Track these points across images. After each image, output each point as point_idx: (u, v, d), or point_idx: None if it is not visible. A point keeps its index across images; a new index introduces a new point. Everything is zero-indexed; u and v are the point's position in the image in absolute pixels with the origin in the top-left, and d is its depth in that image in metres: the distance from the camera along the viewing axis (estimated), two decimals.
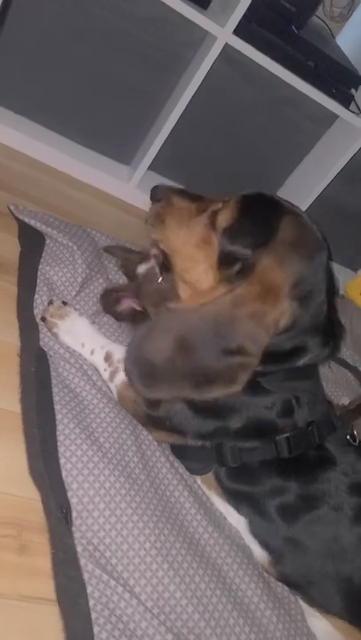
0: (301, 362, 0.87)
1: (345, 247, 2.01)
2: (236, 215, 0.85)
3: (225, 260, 0.84)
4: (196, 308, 0.83)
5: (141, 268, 1.08)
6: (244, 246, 0.82)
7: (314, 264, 0.83)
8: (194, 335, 0.79)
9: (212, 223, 0.87)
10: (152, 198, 0.97)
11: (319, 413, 0.93)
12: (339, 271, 2.02)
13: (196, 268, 0.88)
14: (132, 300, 1.10)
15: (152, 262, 1.06)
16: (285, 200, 0.90)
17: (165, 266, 0.97)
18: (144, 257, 1.10)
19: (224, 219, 0.85)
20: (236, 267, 0.82)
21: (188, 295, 0.92)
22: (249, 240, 0.82)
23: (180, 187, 1.03)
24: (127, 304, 1.11)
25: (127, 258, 1.24)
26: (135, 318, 1.09)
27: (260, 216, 0.85)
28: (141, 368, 0.81)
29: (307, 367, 0.90)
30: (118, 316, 1.12)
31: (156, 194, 0.96)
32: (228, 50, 1.36)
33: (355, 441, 0.94)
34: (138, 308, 1.09)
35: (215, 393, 0.79)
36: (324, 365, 1.04)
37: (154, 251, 1.04)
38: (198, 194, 0.97)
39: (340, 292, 1.85)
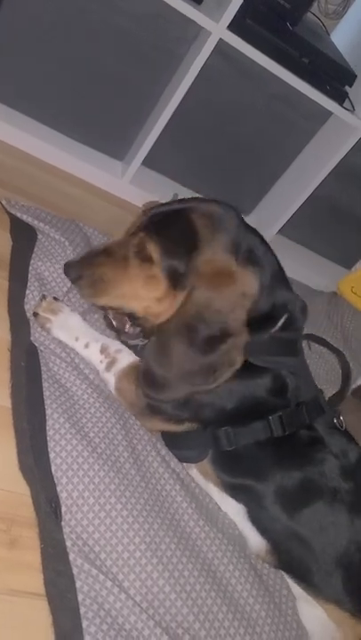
0: (283, 319, 0.93)
1: (337, 244, 2.02)
2: (157, 239, 0.89)
3: (173, 279, 0.89)
4: (167, 320, 0.89)
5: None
6: (181, 258, 0.88)
7: (237, 229, 0.90)
8: (182, 341, 0.86)
9: (144, 258, 0.90)
10: (72, 278, 0.97)
11: (309, 394, 0.97)
12: (331, 268, 2.03)
13: (154, 301, 0.92)
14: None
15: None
16: (175, 201, 0.97)
17: (129, 316, 0.99)
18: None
19: (153, 248, 0.89)
20: (184, 277, 0.88)
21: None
22: (181, 250, 0.88)
23: (77, 254, 1.05)
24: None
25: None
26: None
27: (175, 228, 0.90)
28: (154, 384, 0.89)
29: (290, 341, 0.96)
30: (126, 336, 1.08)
31: (73, 270, 0.96)
32: (222, 46, 1.36)
33: (341, 426, 0.98)
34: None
35: (223, 377, 0.86)
36: (304, 342, 1.07)
37: (110, 315, 1.03)
38: (102, 245, 0.99)
39: (333, 289, 1.85)
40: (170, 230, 0.90)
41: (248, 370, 0.90)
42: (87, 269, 0.94)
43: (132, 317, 0.98)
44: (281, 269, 0.95)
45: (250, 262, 0.89)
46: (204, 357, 0.85)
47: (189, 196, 1.00)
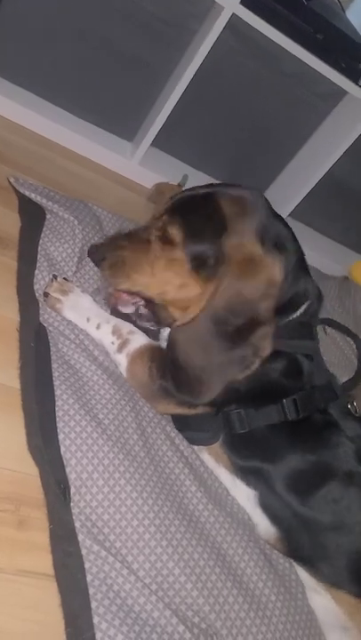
0: (305, 306, 0.93)
1: (350, 228, 1.99)
2: (182, 222, 0.89)
3: (197, 264, 0.88)
4: (198, 317, 0.86)
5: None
6: (208, 242, 0.86)
7: (265, 215, 0.89)
8: (209, 334, 0.85)
9: (167, 242, 0.90)
10: (96, 261, 0.97)
11: (323, 379, 0.96)
12: (343, 252, 2.00)
13: (175, 287, 0.91)
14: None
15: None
16: (204, 185, 0.94)
17: (150, 305, 0.98)
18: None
19: (175, 231, 0.88)
20: (210, 262, 0.86)
21: (182, 313, 0.93)
22: (208, 234, 0.87)
23: (113, 235, 1.02)
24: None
25: None
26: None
27: (202, 212, 0.89)
28: (189, 385, 0.89)
29: (307, 325, 0.95)
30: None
31: (98, 254, 0.96)
32: (234, 22, 1.32)
33: (356, 412, 0.97)
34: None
35: (254, 367, 0.85)
36: (321, 327, 1.08)
37: (143, 310, 1.01)
38: (128, 230, 0.99)
39: (345, 273, 1.82)
40: (195, 213, 0.89)
41: None
42: (110, 252, 0.94)
43: (149, 304, 0.97)
44: (303, 256, 0.95)
45: (277, 249, 0.88)
46: (235, 349, 0.84)
47: (203, 180, 0.98)
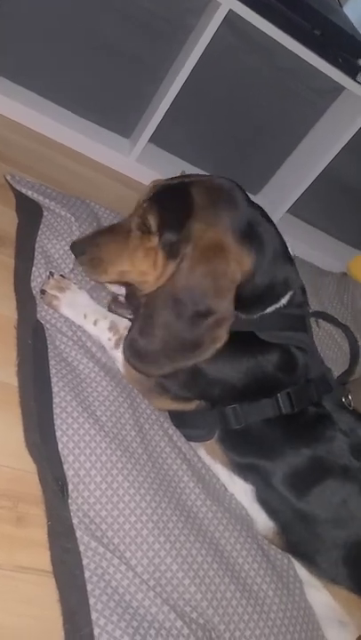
0: (288, 296, 0.93)
1: (349, 224, 1.99)
2: (157, 211, 0.90)
3: (171, 252, 0.88)
4: (156, 290, 0.88)
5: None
6: (177, 228, 0.87)
7: (237, 204, 0.90)
8: (167, 312, 0.85)
9: (145, 231, 0.91)
10: (76, 254, 0.99)
11: (317, 371, 0.97)
12: (341, 248, 2.00)
13: (154, 276, 0.91)
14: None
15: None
16: (180, 176, 0.98)
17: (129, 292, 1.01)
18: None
19: (152, 221, 0.89)
20: (179, 246, 0.87)
21: None
22: (177, 220, 0.88)
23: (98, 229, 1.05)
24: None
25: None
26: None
27: (174, 200, 0.90)
28: (139, 355, 0.89)
29: (298, 317, 0.96)
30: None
31: (78, 248, 0.98)
32: (231, 17, 1.32)
33: (350, 405, 0.98)
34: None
35: (206, 354, 0.85)
36: (313, 320, 1.07)
37: (122, 299, 1.04)
38: (110, 224, 1.02)
39: (343, 269, 1.82)
40: (169, 202, 0.90)
41: (257, 346, 0.90)
42: (90, 247, 0.96)
43: (130, 288, 0.99)
44: (283, 246, 0.95)
45: (248, 237, 0.88)
46: (187, 332, 0.84)
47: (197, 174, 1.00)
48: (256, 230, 0.90)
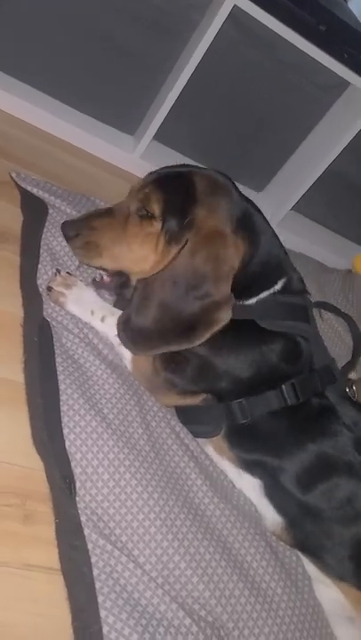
0: (281, 282, 0.95)
1: (354, 221, 1.98)
2: (160, 196, 0.91)
3: (172, 238, 0.90)
4: (158, 272, 0.89)
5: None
6: (181, 214, 0.89)
7: (233, 195, 0.94)
8: (165, 294, 0.87)
9: (145, 216, 0.92)
10: (68, 237, 0.98)
11: (321, 361, 0.97)
12: (346, 245, 1.99)
13: (151, 262, 0.93)
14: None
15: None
16: (177, 165, 0.99)
17: (119, 277, 1.00)
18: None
19: (155, 206, 0.91)
20: (180, 231, 0.89)
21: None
22: (181, 207, 0.90)
23: (90, 211, 1.03)
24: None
25: None
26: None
27: (178, 187, 0.92)
28: (131, 332, 0.90)
29: (299, 307, 0.97)
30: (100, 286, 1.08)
31: (69, 229, 0.98)
32: (236, 13, 1.31)
33: (353, 396, 0.98)
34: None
35: (203, 336, 0.86)
36: (316, 313, 1.09)
37: (106, 279, 1.03)
38: (102, 208, 1.01)
39: (348, 266, 1.82)
40: (172, 189, 0.92)
41: (259, 335, 0.91)
42: (84, 230, 0.96)
43: (121, 276, 0.99)
44: (275, 236, 0.98)
45: (243, 225, 0.92)
46: (184, 314, 0.86)
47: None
48: (250, 220, 0.94)
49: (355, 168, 1.79)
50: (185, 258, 0.86)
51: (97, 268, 1.00)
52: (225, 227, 0.89)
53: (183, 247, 0.87)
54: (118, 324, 0.93)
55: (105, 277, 1.03)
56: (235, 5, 1.29)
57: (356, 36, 1.42)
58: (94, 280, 1.04)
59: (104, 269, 1.00)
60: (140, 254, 0.94)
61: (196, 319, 0.86)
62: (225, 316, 0.86)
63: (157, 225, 0.91)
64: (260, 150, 1.74)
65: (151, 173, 0.98)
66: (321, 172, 1.64)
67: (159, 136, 1.57)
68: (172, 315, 0.87)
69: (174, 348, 0.89)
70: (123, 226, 0.94)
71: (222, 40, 1.37)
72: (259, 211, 0.97)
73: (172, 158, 1.66)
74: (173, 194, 0.91)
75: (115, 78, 1.50)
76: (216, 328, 0.86)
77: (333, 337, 1.45)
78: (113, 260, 0.96)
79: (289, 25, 1.34)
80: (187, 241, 0.87)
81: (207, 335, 0.86)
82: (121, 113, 1.57)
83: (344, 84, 1.53)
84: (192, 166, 0.99)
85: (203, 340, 0.86)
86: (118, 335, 0.94)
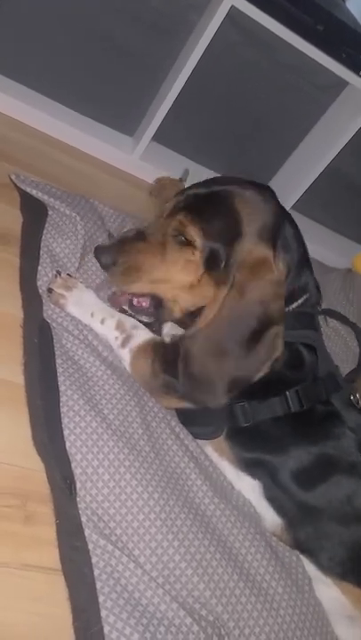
0: (302, 299, 0.95)
1: (353, 220, 1.98)
2: (200, 223, 0.88)
3: (209, 265, 0.89)
4: (212, 320, 0.87)
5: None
6: (223, 243, 0.87)
7: (275, 214, 0.91)
8: (226, 341, 0.86)
9: (183, 243, 0.90)
10: (103, 264, 0.96)
11: (326, 369, 0.97)
12: (346, 244, 1.99)
13: (188, 289, 0.92)
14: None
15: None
16: (210, 181, 0.95)
17: (155, 302, 0.99)
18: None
19: (195, 232, 0.88)
20: (222, 264, 0.88)
21: (184, 311, 0.96)
22: (224, 236, 0.87)
23: (119, 236, 1.00)
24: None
25: None
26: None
27: (217, 213, 0.89)
28: (202, 388, 0.88)
29: (308, 315, 0.97)
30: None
31: (106, 256, 0.95)
32: (234, 13, 1.31)
33: (358, 403, 0.97)
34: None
35: (267, 367, 0.86)
36: (321, 318, 1.08)
37: (143, 303, 1.01)
38: (134, 229, 0.98)
39: (348, 265, 1.82)
40: (211, 214, 0.89)
41: None
42: (122, 256, 0.93)
43: (154, 300, 0.98)
44: (306, 252, 0.97)
45: (283, 249, 0.90)
46: (251, 352, 0.85)
47: (204, 174, 0.99)
48: (288, 240, 0.91)
49: (354, 167, 1.80)
50: (241, 295, 0.85)
51: (131, 293, 0.99)
52: (269, 253, 0.87)
53: (233, 285, 0.86)
54: (182, 391, 0.91)
55: (142, 302, 1.01)
56: (232, 6, 1.29)
57: (354, 36, 1.43)
58: (131, 304, 1.02)
59: (136, 294, 0.99)
60: (179, 279, 0.93)
61: (262, 352, 0.86)
62: (282, 343, 0.87)
63: (198, 254, 0.89)
64: (260, 150, 1.74)
65: (182, 192, 0.95)
66: (320, 172, 1.64)
67: (158, 137, 1.57)
68: (242, 355, 0.86)
69: (244, 382, 0.88)
70: (161, 251, 0.93)
71: (220, 40, 1.37)
72: (294, 223, 0.95)
73: (171, 159, 1.67)
74: (213, 220, 0.89)
75: (113, 79, 1.50)
76: (280, 351, 0.86)
77: (339, 342, 1.45)
78: (152, 286, 0.95)
79: (287, 25, 1.35)
80: (235, 278, 0.86)
81: (271, 362, 0.86)
82: (120, 114, 1.58)
83: (342, 84, 1.53)
84: (227, 180, 0.95)
85: (268, 367, 0.86)
86: (185, 397, 0.93)
